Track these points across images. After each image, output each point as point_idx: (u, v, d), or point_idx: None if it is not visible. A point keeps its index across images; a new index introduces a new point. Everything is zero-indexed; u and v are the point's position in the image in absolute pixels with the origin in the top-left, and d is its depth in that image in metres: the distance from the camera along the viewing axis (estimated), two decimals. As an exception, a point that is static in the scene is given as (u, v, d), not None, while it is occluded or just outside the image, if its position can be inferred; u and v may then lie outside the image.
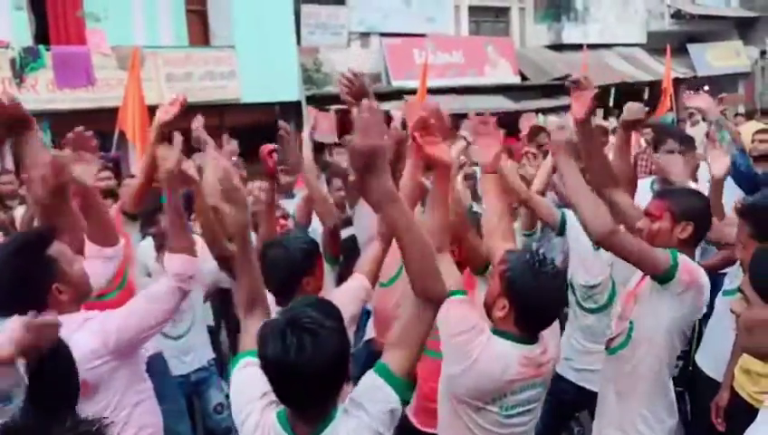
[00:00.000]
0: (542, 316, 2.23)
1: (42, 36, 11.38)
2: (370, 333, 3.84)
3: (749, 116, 12.44)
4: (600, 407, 2.82)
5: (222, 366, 4.58)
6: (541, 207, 3.82)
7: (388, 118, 4.54)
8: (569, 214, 3.65)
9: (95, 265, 2.55)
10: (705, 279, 2.53)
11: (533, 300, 2.16)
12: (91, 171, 2.61)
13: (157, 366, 3.51)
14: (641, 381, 2.60)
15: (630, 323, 2.65)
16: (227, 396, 4.42)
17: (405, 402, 1.80)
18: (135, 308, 2.38)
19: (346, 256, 3.74)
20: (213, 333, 4.85)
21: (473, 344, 2.17)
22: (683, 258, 2.49)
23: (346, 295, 2.53)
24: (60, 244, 2.23)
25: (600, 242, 2.49)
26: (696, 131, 10.78)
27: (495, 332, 2.24)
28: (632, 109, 3.21)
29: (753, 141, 4.94)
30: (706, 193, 3.20)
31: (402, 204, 1.74)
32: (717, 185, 3.39)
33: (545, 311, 2.22)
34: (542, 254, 2.25)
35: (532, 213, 3.98)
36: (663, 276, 2.46)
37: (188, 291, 2.49)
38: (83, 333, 2.18)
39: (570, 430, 4.42)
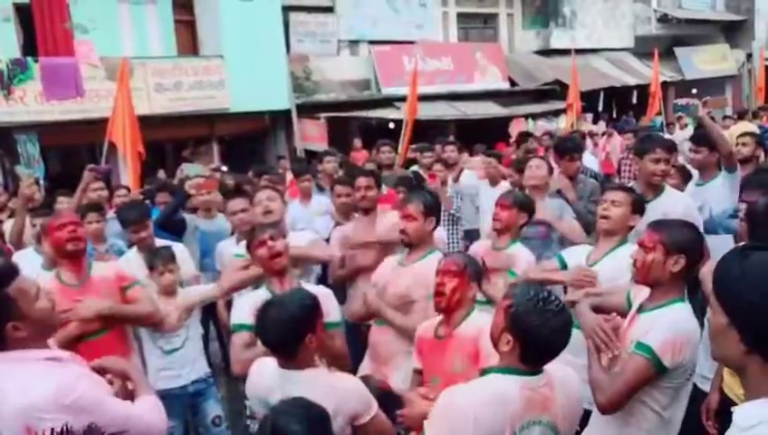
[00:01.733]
0: (547, 352, 2.20)
1: (29, 48, 11.35)
2: (365, 369, 3.82)
3: (740, 116, 12.55)
4: (594, 423, 2.80)
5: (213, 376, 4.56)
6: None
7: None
8: (564, 255, 3.68)
9: None
10: (685, 336, 2.50)
11: (538, 336, 2.13)
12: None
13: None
14: (638, 411, 2.57)
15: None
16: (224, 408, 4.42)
17: None
18: (122, 406, 2.25)
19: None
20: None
21: (463, 424, 2.12)
22: (655, 342, 2.46)
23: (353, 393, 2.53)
24: (24, 280, 2.20)
25: (606, 413, 2.56)
26: (685, 134, 10.88)
27: (498, 370, 2.22)
28: None
29: (736, 145, 4.98)
30: (692, 197, 3.22)
31: None
32: None
33: (549, 347, 2.19)
34: (546, 290, 2.24)
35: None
36: (656, 376, 2.48)
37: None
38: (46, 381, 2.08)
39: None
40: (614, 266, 3.32)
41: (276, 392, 2.43)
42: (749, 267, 1.34)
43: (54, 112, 10.72)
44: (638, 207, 3.52)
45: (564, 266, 3.62)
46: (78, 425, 2.02)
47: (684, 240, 2.61)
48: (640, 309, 2.67)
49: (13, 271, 2.20)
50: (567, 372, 2.31)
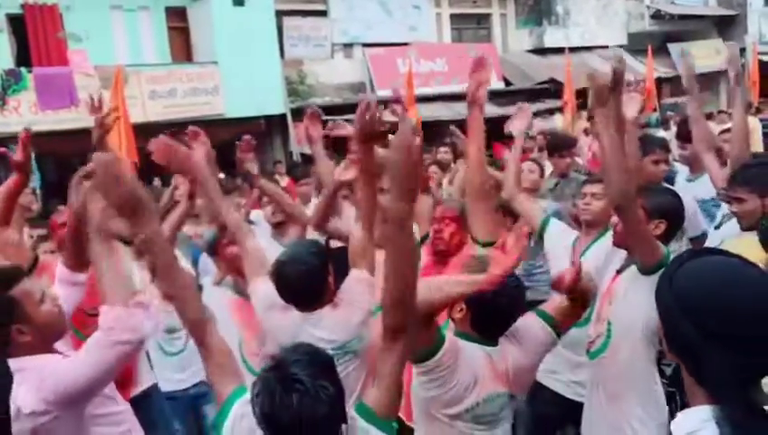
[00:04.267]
0: (497, 324, 2.26)
1: (23, 58, 11.37)
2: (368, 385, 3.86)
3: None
4: (588, 411, 2.81)
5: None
6: (524, 212, 3.66)
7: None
8: (552, 221, 3.50)
9: (66, 290, 2.51)
10: None
11: (490, 309, 2.19)
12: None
13: (151, 394, 3.57)
14: (631, 381, 2.62)
15: (608, 323, 2.66)
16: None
17: None
18: (78, 361, 2.17)
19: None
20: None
21: (454, 370, 2.16)
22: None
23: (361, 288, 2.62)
24: (31, 282, 2.18)
25: (619, 205, 2.44)
26: (680, 130, 10.87)
27: (458, 334, 2.27)
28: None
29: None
30: (683, 193, 3.22)
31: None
32: (633, 126, 3.29)
33: (499, 319, 2.25)
34: None
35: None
36: (655, 267, 2.46)
37: (133, 344, 2.18)
38: (27, 387, 2.03)
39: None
40: (600, 254, 3.18)
41: (301, 336, 2.49)
42: (678, 276, 1.29)
43: (49, 122, 10.72)
44: None
45: (543, 227, 3.48)
46: (66, 401, 2.04)
47: (665, 204, 2.67)
48: (621, 271, 2.71)
49: (18, 273, 2.19)
50: (513, 351, 2.30)
